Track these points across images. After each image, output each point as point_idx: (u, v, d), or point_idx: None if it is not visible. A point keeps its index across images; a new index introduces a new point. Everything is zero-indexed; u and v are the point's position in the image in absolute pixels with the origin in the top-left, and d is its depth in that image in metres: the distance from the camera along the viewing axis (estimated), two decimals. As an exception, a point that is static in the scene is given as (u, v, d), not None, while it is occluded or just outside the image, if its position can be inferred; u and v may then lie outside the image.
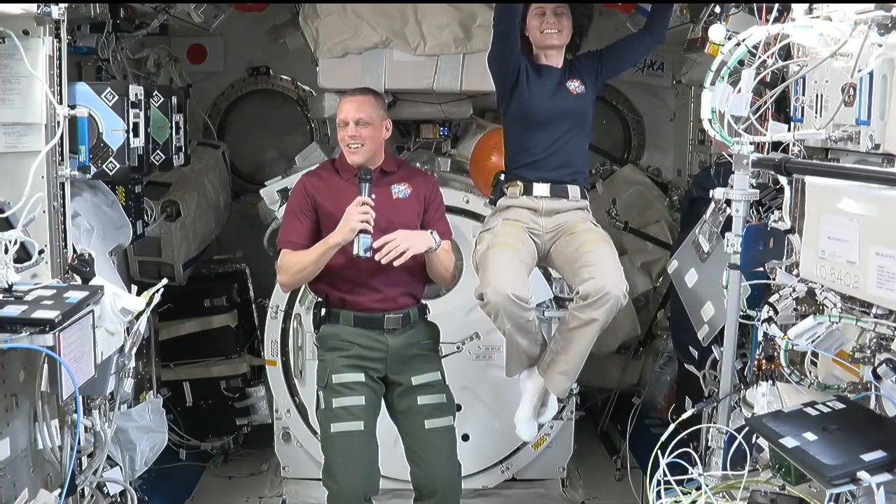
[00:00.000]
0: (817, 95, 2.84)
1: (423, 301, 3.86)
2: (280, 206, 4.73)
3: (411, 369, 3.73)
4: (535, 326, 3.61)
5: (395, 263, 3.49)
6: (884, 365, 2.27)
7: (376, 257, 3.48)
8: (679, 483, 2.64)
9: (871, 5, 2.38)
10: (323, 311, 3.75)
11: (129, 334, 3.30)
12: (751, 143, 2.93)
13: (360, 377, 3.66)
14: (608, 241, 3.69)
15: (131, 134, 3.46)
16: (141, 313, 3.25)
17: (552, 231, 3.72)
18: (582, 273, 3.51)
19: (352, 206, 3.49)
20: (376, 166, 3.68)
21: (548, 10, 3.72)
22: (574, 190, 3.77)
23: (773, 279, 2.90)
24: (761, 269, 2.98)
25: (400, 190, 3.72)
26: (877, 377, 2.29)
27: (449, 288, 3.85)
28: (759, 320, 2.84)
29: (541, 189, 3.73)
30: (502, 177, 3.86)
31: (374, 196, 3.54)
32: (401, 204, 3.67)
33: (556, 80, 3.79)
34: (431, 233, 3.63)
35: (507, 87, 3.74)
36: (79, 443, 3.19)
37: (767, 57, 2.85)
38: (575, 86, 3.80)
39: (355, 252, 3.47)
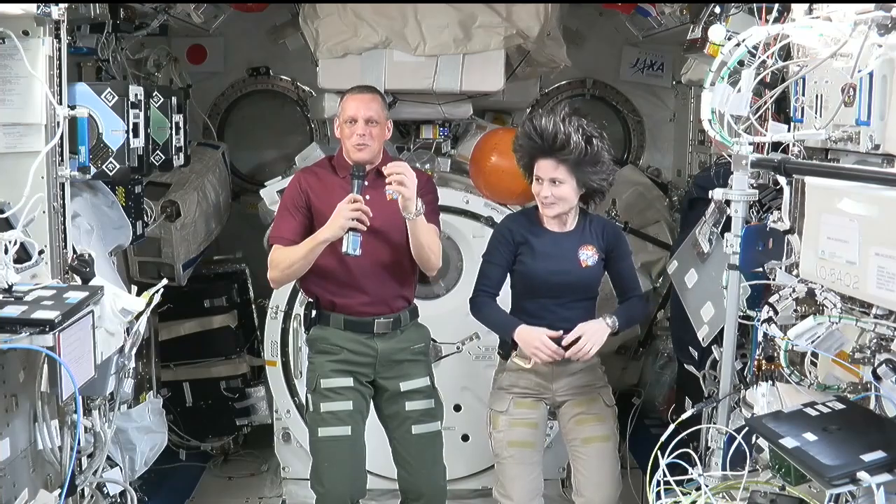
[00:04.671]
0: (817, 96, 2.84)
1: (418, 301, 3.83)
2: (280, 206, 4.72)
3: (400, 374, 3.72)
4: None
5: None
6: (884, 365, 2.26)
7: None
8: (679, 483, 2.64)
9: (871, 5, 2.37)
10: (313, 312, 3.74)
11: (129, 335, 3.30)
12: (750, 144, 2.93)
13: (349, 382, 3.66)
14: (612, 437, 3.67)
15: (131, 134, 3.46)
16: (141, 313, 3.25)
17: (563, 394, 3.68)
18: (578, 480, 3.65)
19: (343, 202, 3.46)
20: (373, 166, 3.67)
21: (545, 180, 3.47)
22: None
23: (773, 279, 2.89)
24: (760, 269, 2.98)
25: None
26: (877, 377, 2.29)
27: (434, 273, 3.81)
28: (758, 320, 2.83)
29: None
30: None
31: (367, 196, 3.51)
32: (394, 205, 3.56)
33: (565, 249, 3.57)
34: (418, 205, 3.50)
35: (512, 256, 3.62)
36: (79, 443, 3.18)
37: (767, 57, 2.85)
38: (587, 255, 3.57)
39: (344, 250, 3.45)
